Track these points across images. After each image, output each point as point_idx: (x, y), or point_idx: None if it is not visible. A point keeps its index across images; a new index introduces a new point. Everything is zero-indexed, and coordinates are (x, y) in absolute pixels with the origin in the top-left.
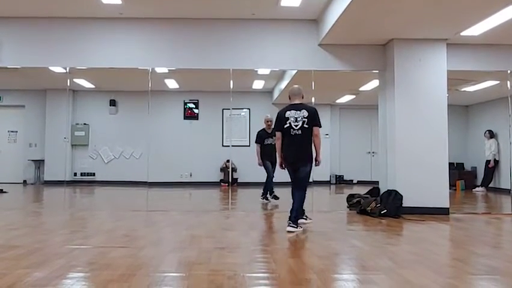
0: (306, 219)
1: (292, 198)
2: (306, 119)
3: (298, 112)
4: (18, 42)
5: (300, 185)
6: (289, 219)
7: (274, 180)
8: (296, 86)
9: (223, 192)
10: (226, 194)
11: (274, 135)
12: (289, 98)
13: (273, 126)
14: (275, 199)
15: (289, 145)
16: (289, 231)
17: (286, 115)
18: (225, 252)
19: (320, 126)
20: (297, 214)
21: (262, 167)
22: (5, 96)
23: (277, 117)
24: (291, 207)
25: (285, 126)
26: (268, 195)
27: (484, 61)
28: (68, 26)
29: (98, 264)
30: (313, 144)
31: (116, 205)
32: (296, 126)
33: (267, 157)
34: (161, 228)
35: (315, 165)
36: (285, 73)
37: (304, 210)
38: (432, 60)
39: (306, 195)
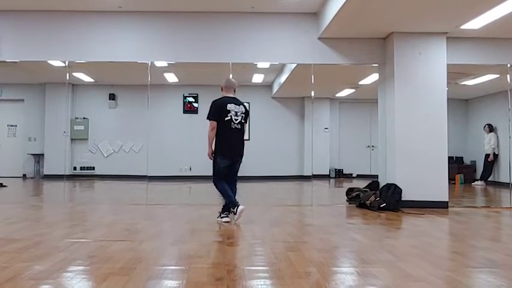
0: (227, 215)
1: (222, 191)
2: (243, 115)
3: (238, 107)
4: (17, 36)
5: (236, 178)
6: (225, 211)
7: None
8: (232, 78)
9: None
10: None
11: None
12: (222, 89)
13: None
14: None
15: (231, 139)
16: (227, 222)
17: (228, 107)
18: (224, 245)
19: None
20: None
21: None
22: (4, 90)
23: (215, 107)
24: (223, 200)
25: (226, 118)
26: None
27: (484, 55)
28: (67, 20)
29: (98, 257)
30: None
31: (116, 199)
32: (236, 120)
33: None
34: (161, 222)
35: None
36: (284, 67)
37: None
38: (432, 54)
39: None
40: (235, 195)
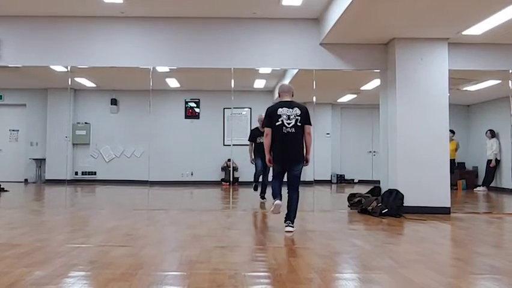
0: (289, 224)
1: (271, 185)
2: (299, 117)
3: (291, 110)
4: (19, 41)
5: (294, 184)
6: (288, 219)
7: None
8: (287, 83)
9: (224, 192)
10: (227, 193)
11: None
12: (279, 95)
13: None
14: (262, 199)
15: (282, 143)
16: (288, 231)
17: (278, 112)
18: (226, 251)
19: (311, 125)
20: (295, 214)
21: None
22: (7, 95)
23: (267, 114)
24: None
25: (277, 123)
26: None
27: (486, 60)
28: (70, 25)
29: (99, 263)
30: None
31: (117, 204)
32: (289, 124)
33: (259, 154)
34: (162, 227)
35: (304, 165)
36: (286, 72)
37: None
38: (433, 60)
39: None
40: (293, 203)
